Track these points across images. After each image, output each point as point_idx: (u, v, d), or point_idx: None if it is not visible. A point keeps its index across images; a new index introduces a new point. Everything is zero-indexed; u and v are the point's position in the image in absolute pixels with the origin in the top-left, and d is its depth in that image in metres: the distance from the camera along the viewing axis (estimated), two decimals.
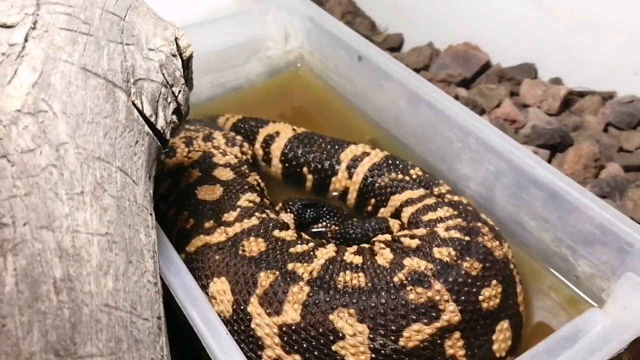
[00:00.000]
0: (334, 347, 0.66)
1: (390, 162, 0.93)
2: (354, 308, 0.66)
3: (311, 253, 0.74)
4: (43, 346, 0.45)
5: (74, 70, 0.56)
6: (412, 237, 0.77)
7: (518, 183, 0.85)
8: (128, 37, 0.63)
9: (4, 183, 0.48)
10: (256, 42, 1.21)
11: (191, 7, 1.24)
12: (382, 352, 0.65)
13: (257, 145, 1.01)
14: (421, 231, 0.78)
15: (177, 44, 0.68)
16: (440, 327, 0.66)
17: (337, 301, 0.67)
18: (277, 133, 1.01)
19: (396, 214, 0.88)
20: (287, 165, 0.99)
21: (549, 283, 0.85)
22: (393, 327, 0.65)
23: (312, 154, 0.97)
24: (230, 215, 0.79)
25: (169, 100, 0.65)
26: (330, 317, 0.66)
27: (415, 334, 0.65)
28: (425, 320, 0.66)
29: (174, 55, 0.66)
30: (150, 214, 0.59)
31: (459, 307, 0.67)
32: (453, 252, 0.72)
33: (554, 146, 1.10)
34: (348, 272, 0.70)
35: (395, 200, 0.89)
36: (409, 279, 0.68)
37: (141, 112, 0.60)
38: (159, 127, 0.63)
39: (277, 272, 0.70)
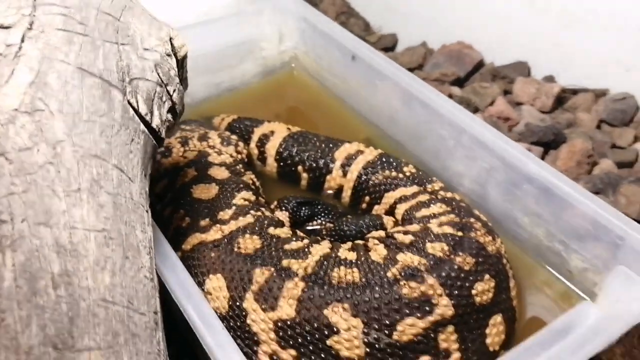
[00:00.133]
0: (328, 342, 0.66)
1: (384, 159, 0.94)
2: (348, 303, 0.67)
3: (306, 250, 0.74)
4: (41, 339, 0.46)
5: (70, 69, 0.57)
6: (406, 233, 0.78)
7: (511, 179, 0.86)
8: (123, 37, 0.64)
9: (2, 181, 0.49)
10: (251, 43, 1.21)
11: (186, 8, 1.25)
12: (376, 346, 0.66)
13: (252, 145, 1.02)
14: (414, 227, 0.79)
15: (171, 44, 0.69)
16: (433, 321, 0.67)
17: (332, 296, 0.67)
18: (272, 132, 1.02)
19: (390, 211, 0.89)
20: (282, 164, 1.00)
21: (543, 278, 0.86)
22: (387, 321, 0.66)
23: (307, 152, 0.98)
24: (225, 214, 0.80)
25: (164, 99, 0.66)
26: (325, 312, 0.67)
27: (409, 328, 0.66)
28: (418, 315, 0.67)
29: (168, 55, 0.67)
30: (147, 211, 0.60)
31: (452, 302, 0.68)
32: (446, 247, 0.73)
33: (547, 143, 1.11)
34: (342, 267, 0.71)
35: (389, 197, 0.90)
36: (403, 273, 0.69)
37: (136, 111, 0.61)
38: (154, 126, 0.63)
39: (272, 269, 0.71)
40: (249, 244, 0.74)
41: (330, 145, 0.98)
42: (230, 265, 0.72)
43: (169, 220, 0.83)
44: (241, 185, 0.86)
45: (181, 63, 0.71)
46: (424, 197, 0.86)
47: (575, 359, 0.63)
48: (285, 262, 0.72)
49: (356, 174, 0.94)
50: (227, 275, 0.71)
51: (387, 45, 1.50)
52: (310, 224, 0.91)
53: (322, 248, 0.75)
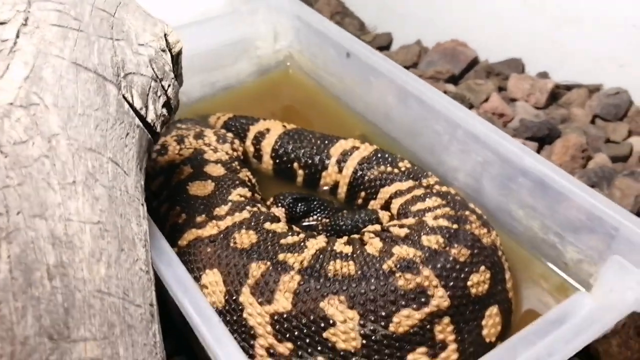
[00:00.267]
0: (325, 334, 0.67)
1: (379, 155, 0.94)
2: (344, 295, 0.67)
3: (302, 244, 0.75)
4: (37, 330, 0.46)
5: (64, 64, 0.57)
6: (401, 226, 0.78)
7: (506, 173, 0.86)
8: (118, 33, 0.64)
9: None
10: (246, 42, 1.22)
11: (181, 8, 1.25)
12: (373, 337, 0.66)
13: (248, 142, 1.02)
14: (410, 221, 0.79)
15: (166, 40, 0.69)
16: (429, 312, 0.67)
17: (328, 289, 0.68)
18: (268, 130, 1.02)
19: (386, 206, 0.89)
20: (277, 161, 1.00)
21: (539, 271, 0.86)
22: (383, 313, 0.66)
23: (302, 149, 0.98)
24: (221, 210, 0.80)
25: (158, 94, 0.66)
26: (321, 304, 0.67)
27: (405, 319, 0.66)
28: (414, 306, 0.67)
29: (163, 51, 0.68)
30: (142, 204, 0.60)
31: (448, 293, 0.68)
32: (441, 240, 0.73)
33: (542, 139, 1.12)
34: (338, 261, 0.71)
35: (385, 192, 0.90)
36: (398, 265, 0.69)
37: (131, 105, 0.62)
38: (149, 120, 0.64)
39: (268, 263, 0.71)
40: (245, 238, 0.75)
41: (326, 141, 0.99)
42: (227, 259, 0.72)
43: (165, 217, 0.83)
44: (237, 182, 0.86)
45: (176, 59, 0.71)
46: (419, 192, 0.86)
47: (570, 348, 0.63)
48: (281, 256, 0.72)
49: (352, 170, 0.94)
50: (224, 269, 0.72)
51: (382, 45, 1.51)
52: (307, 219, 0.91)
53: (318, 242, 0.75)
